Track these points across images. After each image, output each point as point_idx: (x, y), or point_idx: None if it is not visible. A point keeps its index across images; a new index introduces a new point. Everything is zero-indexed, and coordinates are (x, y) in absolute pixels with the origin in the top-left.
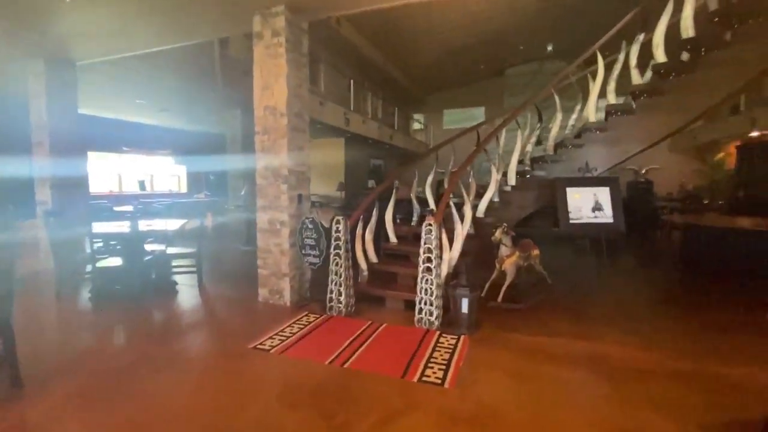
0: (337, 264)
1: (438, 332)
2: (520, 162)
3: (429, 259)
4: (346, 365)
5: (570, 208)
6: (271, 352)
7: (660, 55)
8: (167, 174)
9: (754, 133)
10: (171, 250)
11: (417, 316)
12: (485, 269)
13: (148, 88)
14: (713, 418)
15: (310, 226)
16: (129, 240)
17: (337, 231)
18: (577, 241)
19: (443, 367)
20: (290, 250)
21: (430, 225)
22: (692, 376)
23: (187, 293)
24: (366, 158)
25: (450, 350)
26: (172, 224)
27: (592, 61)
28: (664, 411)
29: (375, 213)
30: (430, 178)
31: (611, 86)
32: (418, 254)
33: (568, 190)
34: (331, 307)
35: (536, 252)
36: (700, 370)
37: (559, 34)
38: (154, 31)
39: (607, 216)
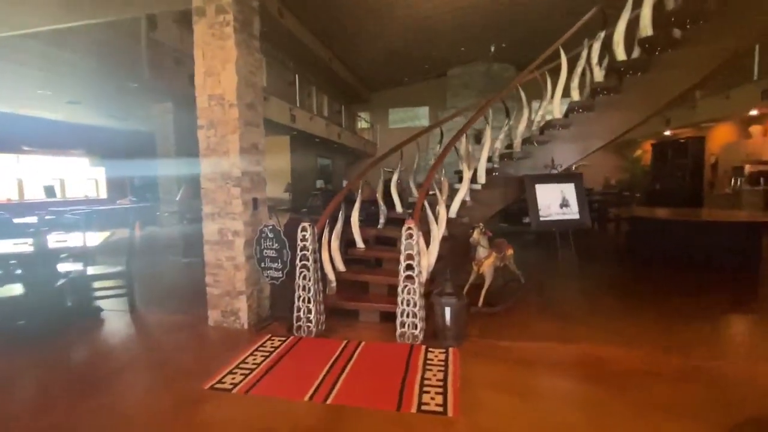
0: (304, 278)
1: (424, 347)
2: (489, 159)
3: (410, 267)
4: (328, 400)
5: (540, 205)
6: (234, 391)
7: (620, 53)
8: (82, 177)
9: (667, 132)
10: (92, 270)
11: (399, 330)
12: (459, 272)
13: (53, 75)
14: (731, 418)
15: (270, 235)
16: (34, 260)
17: (304, 239)
18: (528, 238)
19: (440, 390)
20: (246, 264)
21: (410, 229)
22: (689, 373)
23: (117, 322)
24: (313, 158)
25: (442, 368)
26: (93, 237)
27: (552, 58)
28: (676, 414)
29: (341, 217)
30: (395, 178)
31: (575, 83)
32: (390, 260)
33: (537, 187)
34: (299, 327)
35: (510, 251)
36: (693, 366)
37: (499, 37)
38: (60, 2)
39: (573, 212)
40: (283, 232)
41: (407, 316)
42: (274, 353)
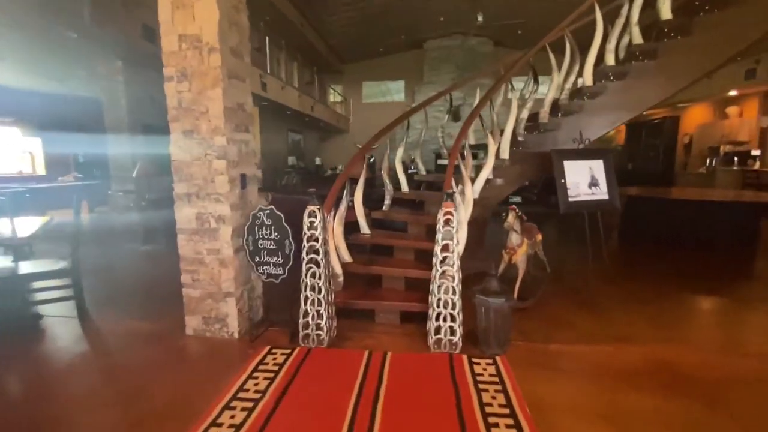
0: (313, 275)
1: (464, 356)
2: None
3: (447, 260)
4: None
5: (569, 184)
6: None
7: (666, 11)
8: (13, 151)
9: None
10: (27, 267)
11: (433, 337)
12: (473, 260)
13: None
14: None
15: (268, 221)
16: None
17: (312, 227)
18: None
19: (509, 419)
20: (235, 259)
21: (449, 213)
22: None
23: (61, 334)
24: (284, 132)
25: (498, 385)
26: (26, 224)
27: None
28: None
29: (345, 198)
30: (399, 152)
31: (611, 44)
32: (402, 248)
33: (566, 163)
34: (306, 336)
35: (540, 237)
36: None
37: (479, 8)
38: None
39: (602, 192)
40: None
41: (444, 319)
42: (281, 373)
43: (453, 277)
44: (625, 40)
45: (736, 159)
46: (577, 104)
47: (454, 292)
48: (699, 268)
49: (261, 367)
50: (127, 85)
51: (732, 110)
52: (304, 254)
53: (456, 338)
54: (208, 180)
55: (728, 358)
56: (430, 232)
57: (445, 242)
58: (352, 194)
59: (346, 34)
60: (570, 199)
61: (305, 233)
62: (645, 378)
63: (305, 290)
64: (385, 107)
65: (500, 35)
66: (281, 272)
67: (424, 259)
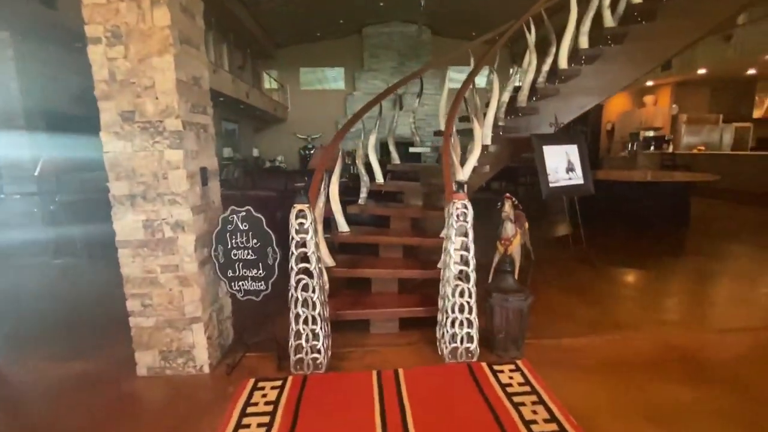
0: (305, 288)
1: (483, 364)
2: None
3: (464, 259)
4: None
5: (548, 170)
6: None
7: None
8: None
9: None
10: None
11: (449, 346)
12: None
13: None
14: None
15: (243, 226)
16: None
17: (302, 230)
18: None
19: None
20: (200, 275)
21: (463, 206)
22: None
23: None
24: (217, 121)
25: (531, 395)
26: None
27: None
28: None
29: (323, 191)
30: (372, 139)
31: (585, 27)
32: (388, 246)
33: (545, 148)
34: (299, 361)
35: (527, 225)
36: None
37: None
38: None
39: (578, 176)
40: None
41: (460, 325)
42: (279, 413)
43: (469, 278)
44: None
45: (653, 143)
46: (552, 88)
47: (470, 295)
48: (653, 246)
49: (250, 409)
50: (18, 62)
51: (648, 99)
52: (292, 263)
53: (473, 345)
54: (159, 176)
55: (722, 336)
56: (416, 227)
57: (460, 239)
58: (327, 187)
59: (280, 15)
60: (551, 185)
61: (293, 238)
62: (665, 367)
63: (296, 306)
64: (324, 95)
65: (440, 24)
66: (263, 287)
67: (414, 256)
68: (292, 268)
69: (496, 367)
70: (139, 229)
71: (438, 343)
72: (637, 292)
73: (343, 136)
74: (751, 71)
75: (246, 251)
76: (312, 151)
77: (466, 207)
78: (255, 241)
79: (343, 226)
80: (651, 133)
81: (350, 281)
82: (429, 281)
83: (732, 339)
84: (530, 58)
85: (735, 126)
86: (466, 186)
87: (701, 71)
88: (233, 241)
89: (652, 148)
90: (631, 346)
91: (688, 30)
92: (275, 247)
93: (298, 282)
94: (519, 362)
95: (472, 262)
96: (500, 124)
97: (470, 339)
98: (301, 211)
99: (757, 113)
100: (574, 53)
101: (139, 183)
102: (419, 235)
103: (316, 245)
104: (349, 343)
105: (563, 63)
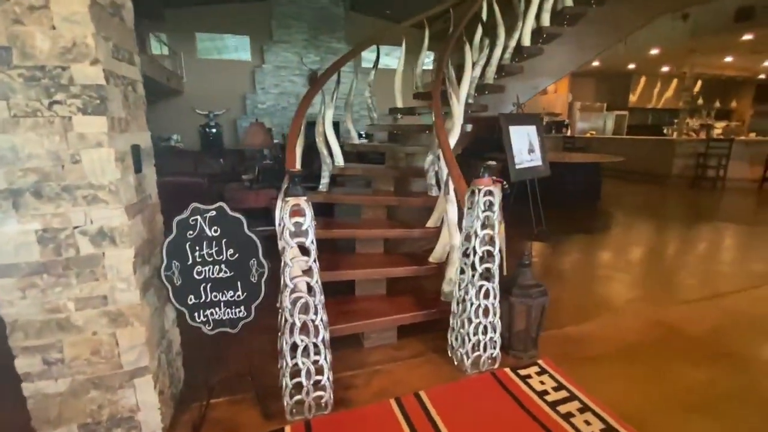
0: (306, 309)
1: (507, 369)
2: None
3: (489, 255)
4: None
5: (514, 151)
6: None
7: None
8: None
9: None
10: None
11: (470, 355)
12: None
13: None
14: None
15: (212, 231)
16: None
17: (300, 232)
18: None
19: None
20: (143, 307)
21: (490, 193)
22: None
23: None
24: None
25: (574, 400)
26: None
27: None
28: None
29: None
30: (329, 114)
31: (548, 4)
32: (366, 240)
33: (511, 129)
34: (299, 405)
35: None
36: None
37: None
38: None
39: (538, 158)
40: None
41: (484, 331)
42: None
43: (495, 278)
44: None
45: (554, 128)
46: (517, 66)
47: (495, 296)
48: (587, 221)
49: None
50: None
51: (550, 87)
52: (286, 279)
53: (496, 351)
54: (66, 159)
55: (690, 308)
56: (392, 217)
57: (485, 232)
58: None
59: None
60: (517, 167)
61: (287, 244)
62: (667, 347)
63: (292, 334)
64: (227, 66)
65: None
66: (243, 314)
67: (396, 250)
68: (285, 285)
69: (521, 372)
70: (30, 246)
71: (451, 351)
72: (605, 269)
73: (307, 107)
74: (632, 66)
75: (217, 267)
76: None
77: (492, 194)
78: (231, 252)
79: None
80: (551, 118)
81: (325, 285)
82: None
83: (700, 310)
84: (499, 32)
85: (615, 113)
86: (491, 168)
87: (595, 63)
88: (196, 253)
89: (553, 131)
90: (633, 330)
91: (631, 18)
92: (262, 259)
93: (295, 302)
94: (540, 362)
95: (497, 258)
96: (469, 101)
97: (493, 345)
98: (296, 206)
99: (632, 101)
100: (536, 32)
101: (27, 171)
102: (397, 226)
103: (316, 255)
104: (346, 364)
105: (526, 40)
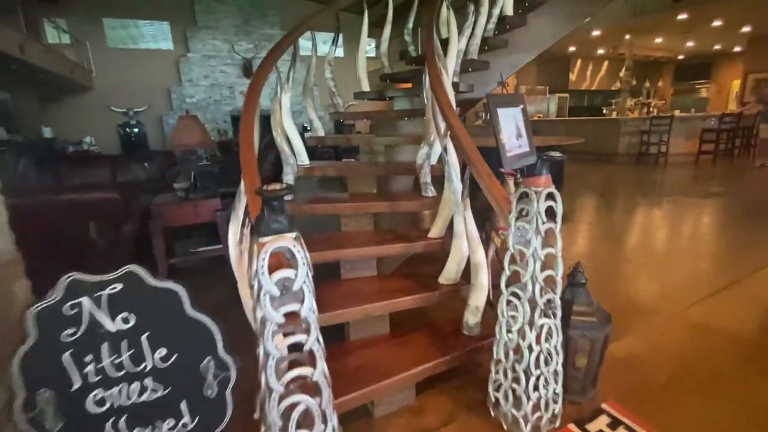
0: (312, 422)
1: (572, 426)
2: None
3: (551, 281)
4: None
5: (504, 137)
6: None
7: None
8: None
9: None
10: None
11: (531, 418)
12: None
13: None
14: None
15: (122, 324)
16: None
17: (291, 297)
18: None
19: None
20: None
21: (552, 196)
22: None
23: None
24: None
25: None
26: None
27: None
28: None
29: (240, 198)
30: (286, 100)
31: None
32: (357, 262)
33: (499, 112)
34: None
35: None
36: None
37: None
38: None
39: (525, 144)
40: None
41: (545, 383)
42: None
43: (556, 311)
44: None
45: None
46: (501, 39)
47: (558, 333)
48: None
49: None
50: None
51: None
52: (268, 377)
53: (558, 406)
54: None
55: (724, 301)
56: (381, 227)
57: (547, 251)
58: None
59: None
60: (508, 154)
61: (268, 318)
62: (744, 358)
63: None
64: (145, 56)
65: None
66: None
67: (393, 269)
68: (269, 388)
69: (589, 427)
70: None
71: (495, 409)
72: (607, 263)
73: (260, 86)
74: (572, 48)
75: (135, 385)
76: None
77: (554, 198)
78: (162, 353)
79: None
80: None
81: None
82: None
83: (729, 303)
84: (482, 2)
85: (558, 96)
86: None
87: None
88: (89, 368)
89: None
90: (670, 337)
91: None
92: (223, 355)
93: (290, 411)
94: (606, 407)
95: (560, 286)
96: (455, 80)
97: (556, 398)
98: (281, 249)
99: (571, 85)
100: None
101: None
102: (391, 239)
103: (319, 333)
104: None
105: (509, 8)
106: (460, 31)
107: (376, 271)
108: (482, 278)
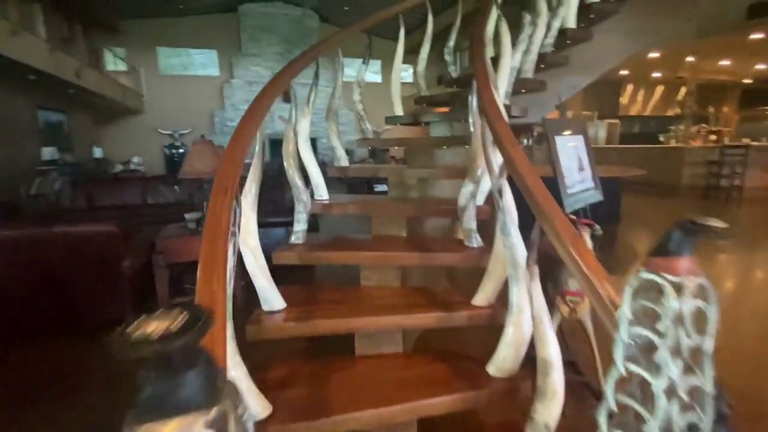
0: None
1: None
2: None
3: (701, 398)
4: None
5: (564, 170)
6: None
7: None
8: None
9: None
10: None
11: None
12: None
13: None
14: None
15: None
16: None
17: None
18: None
19: None
20: None
21: (703, 290)
22: None
23: None
24: (28, 108)
25: None
26: None
27: None
28: None
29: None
30: (305, 126)
31: None
32: (381, 331)
33: (557, 140)
34: None
35: None
36: None
37: None
38: None
39: (588, 178)
40: None
41: None
42: None
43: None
44: None
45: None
46: (561, 56)
47: None
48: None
49: None
50: None
51: None
52: None
53: None
54: None
55: None
56: (410, 283)
57: (691, 382)
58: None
59: None
60: (569, 191)
61: None
62: None
63: None
64: (193, 82)
65: (328, 10)
66: None
67: (420, 341)
68: None
69: None
70: None
71: None
72: None
73: (265, 108)
74: (624, 72)
75: None
76: (181, 150)
77: (706, 296)
78: None
79: (271, 300)
80: (541, 129)
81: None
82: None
83: None
84: (539, 6)
85: (607, 122)
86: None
87: None
88: None
89: (544, 143)
90: None
91: None
92: None
93: None
94: None
95: (710, 408)
96: (506, 102)
97: None
98: None
99: (622, 110)
100: (583, 9)
101: None
102: (423, 305)
103: None
104: None
105: (571, 19)
106: (513, 45)
107: (402, 346)
108: (554, 382)
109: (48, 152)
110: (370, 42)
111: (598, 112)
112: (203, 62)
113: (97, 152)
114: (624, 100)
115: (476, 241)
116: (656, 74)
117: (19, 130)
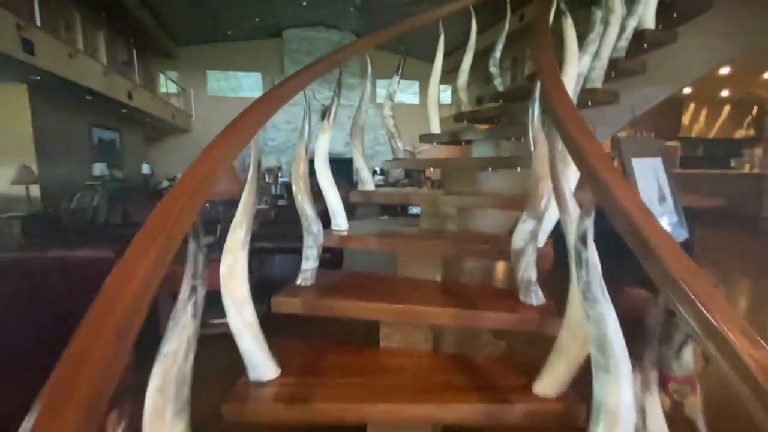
0: None
1: None
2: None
3: None
4: None
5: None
6: None
7: None
8: None
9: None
10: None
11: None
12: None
13: None
14: None
15: None
16: None
17: None
18: None
19: None
20: None
21: None
22: None
23: None
24: (83, 126)
25: None
26: None
27: None
28: None
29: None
30: (323, 142)
31: None
32: (403, 369)
33: (634, 163)
34: None
35: None
36: None
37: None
38: None
39: (670, 209)
40: None
41: None
42: None
43: None
44: None
45: None
46: (638, 62)
47: None
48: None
49: None
50: None
51: None
52: None
53: None
54: None
55: None
56: (444, 345)
57: None
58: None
59: (179, 5)
60: None
61: None
62: None
63: None
64: (238, 104)
65: (367, 33)
66: None
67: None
68: None
69: None
70: None
71: None
72: None
73: (260, 126)
74: (687, 90)
75: None
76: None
77: None
78: None
79: (260, 365)
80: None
81: None
82: None
83: None
84: (612, 3)
85: (667, 144)
86: None
87: None
88: None
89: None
90: None
91: None
92: None
93: None
94: None
95: None
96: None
97: None
98: None
99: (683, 131)
100: (665, 7)
101: None
102: (463, 388)
103: None
104: None
105: (650, 19)
106: (580, 47)
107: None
108: None
109: (98, 168)
110: (404, 49)
111: (654, 133)
112: (249, 84)
113: (146, 168)
114: (686, 119)
115: (536, 298)
116: (725, 93)
117: (75, 147)
